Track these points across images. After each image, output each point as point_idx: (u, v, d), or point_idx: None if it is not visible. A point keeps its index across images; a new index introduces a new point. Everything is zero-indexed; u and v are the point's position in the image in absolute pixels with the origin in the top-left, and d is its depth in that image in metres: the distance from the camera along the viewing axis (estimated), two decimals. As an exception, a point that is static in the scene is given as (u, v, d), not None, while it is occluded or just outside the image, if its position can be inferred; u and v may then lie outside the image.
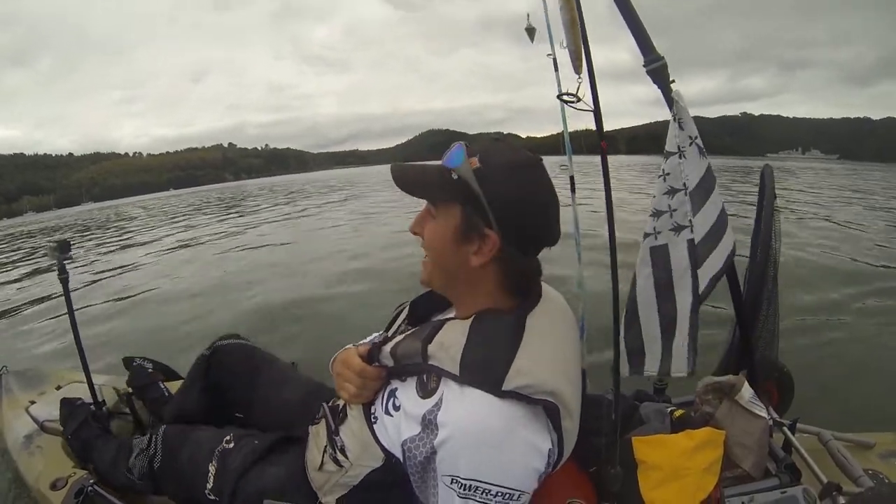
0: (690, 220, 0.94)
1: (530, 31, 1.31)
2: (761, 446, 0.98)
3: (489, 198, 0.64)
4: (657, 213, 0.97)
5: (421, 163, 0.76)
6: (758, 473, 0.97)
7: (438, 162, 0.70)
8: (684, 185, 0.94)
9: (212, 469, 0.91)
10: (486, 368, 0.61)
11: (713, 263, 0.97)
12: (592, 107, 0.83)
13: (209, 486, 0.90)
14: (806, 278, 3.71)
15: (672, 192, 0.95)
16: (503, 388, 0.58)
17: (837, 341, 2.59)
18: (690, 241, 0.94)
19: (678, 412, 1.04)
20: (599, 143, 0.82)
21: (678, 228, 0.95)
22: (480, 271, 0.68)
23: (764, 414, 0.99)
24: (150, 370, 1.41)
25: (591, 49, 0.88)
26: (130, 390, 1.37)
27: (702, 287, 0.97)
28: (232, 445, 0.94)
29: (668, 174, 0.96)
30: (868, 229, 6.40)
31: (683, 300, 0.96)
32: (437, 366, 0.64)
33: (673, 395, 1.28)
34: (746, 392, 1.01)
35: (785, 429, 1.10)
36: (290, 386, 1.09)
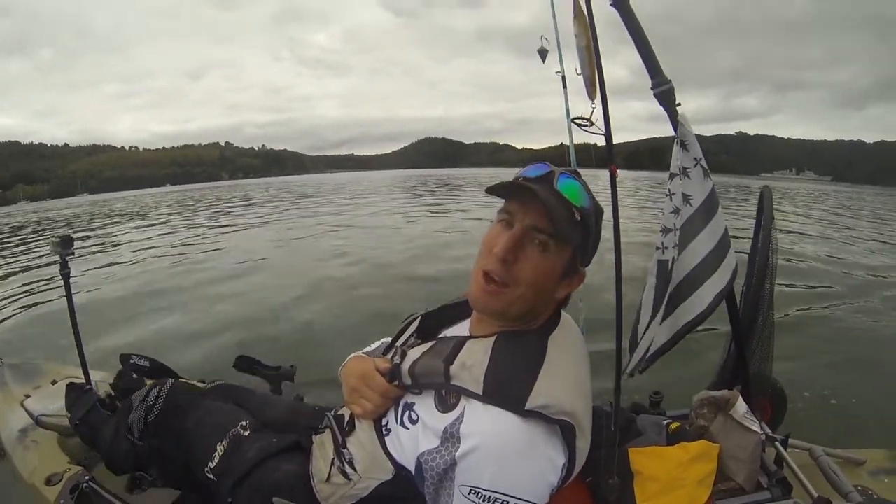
0: (675, 244, 1.01)
1: (542, 53, 1.34)
2: (754, 460, 1.00)
3: (594, 239, 0.70)
4: (665, 231, 1.01)
5: (534, 186, 0.66)
6: (750, 487, 0.99)
7: (547, 185, 0.66)
8: (689, 203, 0.98)
9: (220, 448, 0.88)
10: (509, 389, 0.62)
11: (716, 283, 1.01)
12: (604, 131, 0.86)
13: (212, 464, 0.87)
14: (799, 295, 3.78)
15: (677, 211, 0.99)
16: (525, 408, 0.60)
17: (830, 358, 2.63)
18: (675, 260, 1.01)
19: (674, 425, 1.06)
20: (610, 167, 0.85)
21: (683, 245, 1.00)
22: (553, 300, 0.71)
23: (757, 429, 1.01)
24: (134, 375, 1.38)
25: (602, 69, 0.91)
26: (113, 393, 1.35)
27: (701, 308, 1.01)
28: (247, 434, 0.91)
29: (673, 194, 1.00)
30: (860, 247, 6.52)
31: (652, 318, 1.03)
32: (460, 386, 0.65)
33: (668, 408, 1.30)
34: (741, 407, 1.04)
35: (777, 444, 1.12)
36: (273, 407, 1.06)
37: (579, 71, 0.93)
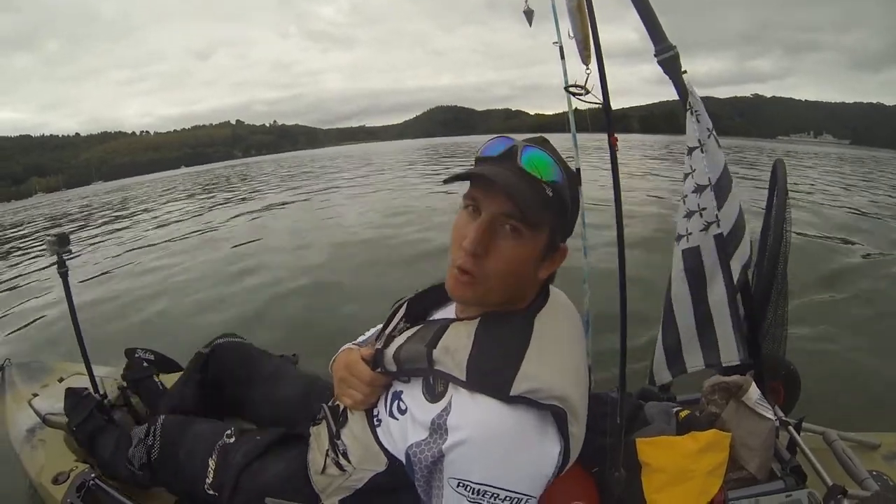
0: (717, 215, 0.91)
1: (528, 14, 1.26)
2: (767, 448, 0.97)
3: (571, 211, 0.64)
4: (689, 214, 0.94)
5: (493, 168, 0.60)
6: (763, 475, 0.96)
7: (511, 163, 0.60)
8: (709, 179, 0.91)
9: (212, 464, 0.90)
10: (493, 374, 0.59)
11: (741, 255, 0.95)
12: (601, 99, 0.79)
13: (209, 480, 0.89)
14: (815, 274, 3.67)
15: (699, 189, 0.92)
16: (511, 394, 0.57)
17: (844, 339, 2.56)
18: (718, 236, 0.92)
19: (683, 412, 1.03)
20: (609, 137, 0.79)
21: (707, 226, 0.93)
22: (537, 281, 0.67)
23: (771, 416, 0.98)
24: (144, 364, 1.40)
25: (600, 30, 0.84)
26: (125, 384, 1.37)
27: (735, 277, 0.95)
28: (233, 441, 0.93)
29: (693, 171, 0.93)
30: (883, 222, 6.31)
31: (718, 293, 0.95)
32: (444, 371, 0.63)
33: (678, 392, 1.27)
34: (754, 393, 1.00)
35: (790, 428, 1.08)
36: (288, 383, 1.08)
37: (571, 35, 0.86)
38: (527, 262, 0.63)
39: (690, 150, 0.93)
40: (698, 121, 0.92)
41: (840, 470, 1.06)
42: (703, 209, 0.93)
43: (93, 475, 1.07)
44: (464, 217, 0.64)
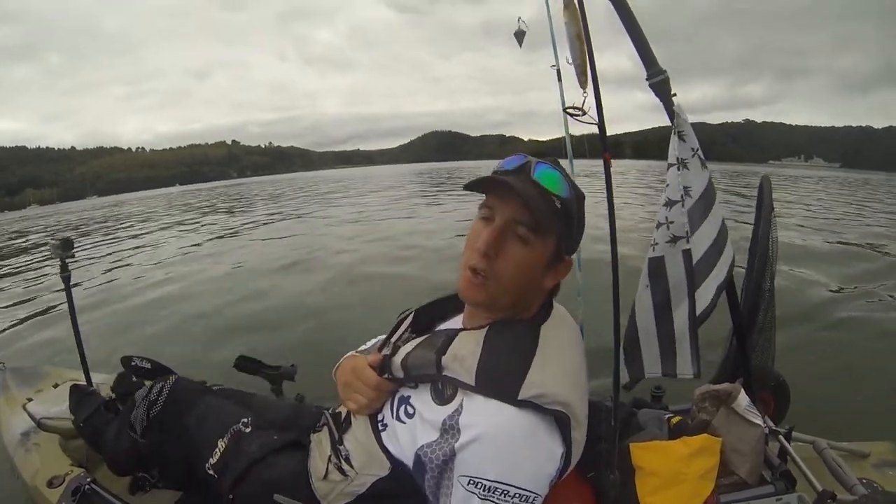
0: (687, 232, 0.97)
1: (519, 36, 1.32)
2: (757, 454, 1.00)
3: (577, 227, 0.70)
4: (658, 225, 1.00)
5: (504, 178, 0.66)
6: (753, 480, 0.98)
7: (524, 176, 0.65)
8: (681, 196, 0.97)
9: (221, 444, 0.89)
10: (501, 379, 0.62)
11: (716, 276, 1.00)
12: (597, 120, 0.85)
13: (213, 460, 0.87)
14: (802, 287, 3.75)
15: (669, 203, 0.98)
16: (519, 398, 0.60)
17: (834, 351, 2.61)
18: (686, 252, 0.97)
19: (675, 419, 1.05)
20: (603, 156, 0.84)
21: (674, 240, 0.98)
22: (543, 290, 0.71)
23: (760, 422, 1.01)
24: (134, 378, 1.38)
25: (596, 57, 0.90)
26: (113, 396, 1.36)
27: (705, 304, 1.00)
28: (249, 430, 0.91)
29: (667, 185, 0.99)
30: (866, 237, 6.47)
31: (680, 310, 0.99)
32: (453, 377, 0.65)
33: (670, 402, 1.30)
34: (743, 400, 1.03)
35: (781, 437, 1.11)
36: (276, 408, 1.05)
37: (570, 60, 0.93)
38: (534, 267, 0.67)
39: (668, 167, 1.00)
40: (683, 140, 0.98)
41: (830, 478, 1.07)
42: (671, 222, 0.99)
43: (88, 479, 1.07)
44: (479, 225, 0.68)
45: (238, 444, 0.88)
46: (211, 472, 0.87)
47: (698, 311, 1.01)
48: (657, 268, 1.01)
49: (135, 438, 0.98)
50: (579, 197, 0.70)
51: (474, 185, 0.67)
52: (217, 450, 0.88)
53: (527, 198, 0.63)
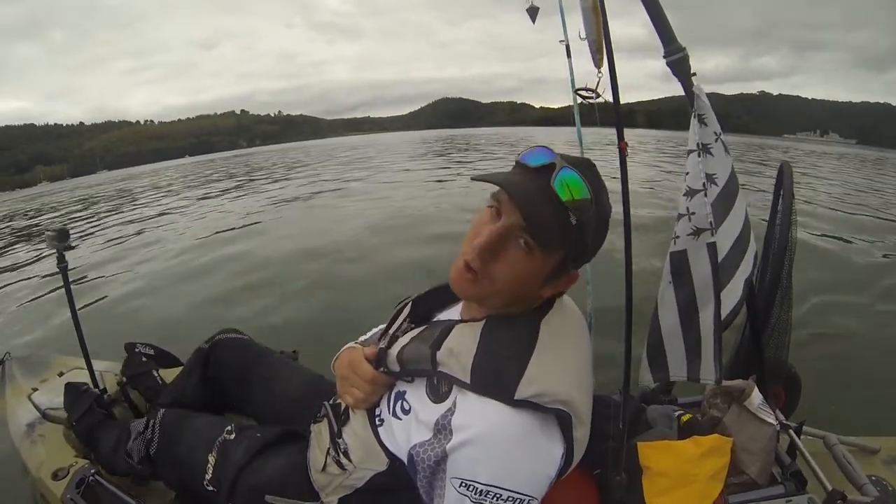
0: (711, 223, 0.89)
1: (532, 11, 1.24)
2: (768, 453, 0.97)
3: (593, 243, 0.63)
4: (679, 217, 0.93)
5: (519, 181, 0.60)
6: (763, 480, 0.96)
7: (543, 182, 0.58)
8: (703, 185, 0.90)
9: (211, 460, 0.90)
10: (498, 378, 0.59)
11: (743, 271, 0.94)
12: (612, 102, 0.78)
13: (208, 476, 0.89)
14: (817, 277, 3.67)
15: (691, 193, 0.91)
16: (515, 398, 0.57)
17: (846, 343, 2.58)
18: (711, 246, 0.90)
19: (685, 416, 1.03)
20: (619, 145, 0.78)
21: (697, 232, 0.91)
22: (538, 296, 0.66)
23: (772, 421, 0.98)
24: (144, 359, 1.40)
25: (610, 34, 0.83)
26: (124, 378, 1.37)
27: (732, 304, 0.94)
28: (233, 437, 0.93)
29: (687, 173, 0.92)
30: (884, 227, 6.29)
31: (706, 308, 0.93)
32: (448, 373, 0.62)
33: (680, 395, 1.27)
34: (756, 398, 1.00)
35: (791, 432, 1.08)
36: (288, 380, 1.08)
37: (583, 35, 0.85)
38: (531, 277, 0.62)
39: (689, 153, 0.92)
40: (705, 124, 0.91)
41: (840, 475, 1.06)
42: (693, 213, 0.90)
43: (92, 471, 1.07)
44: (486, 215, 0.63)
45: (225, 454, 0.90)
46: (210, 487, 0.89)
47: (725, 312, 0.94)
48: (680, 263, 0.93)
49: (132, 465, 1.01)
50: (603, 210, 0.62)
51: (484, 179, 0.61)
52: (209, 465, 0.89)
53: (531, 212, 0.57)
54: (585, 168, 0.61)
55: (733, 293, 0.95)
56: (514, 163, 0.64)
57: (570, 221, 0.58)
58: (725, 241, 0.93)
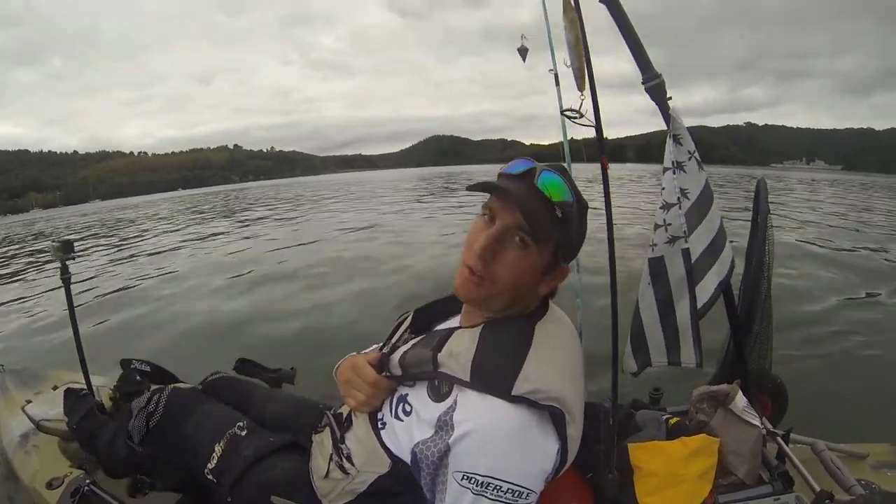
0: (685, 231, 0.99)
1: (522, 52, 1.35)
2: (755, 454, 1.00)
3: (577, 236, 0.70)
4: (656, 227, 1.02)
5: (510, 183, 0.67)
6: (751, 481, 0.98)
7: (527, 183, 0.65)
8: (678, 199, 0.99)
9: (218, 449, 0.90)
10: (496, 374, 0.62)
11: (714, 276, 1.02)
12: (594, 123, 0.86)
13: (211, 465, 0.89)
14: (800, 290, 3.75)
15: (667, 206, 1.00)
16: (513, 394, 0.60)
17: (831, 354, 2.62)
18: (685, 251, 0.99)
19: (673, 420, 1.06)
20: (600, 159, 0.86)
21: (673, 240, 1.00)
22: (538, 295, 0.71)
23: (757, 423, 1.01)
24: (138, 378, 1.39)
25: (595, 61, 0.92)
26: (118, 395, 1.36)
27: (705, 299, 1.02)
28: (244, 433, 0.93)
29: (663, 188, 1.00)
30: (864, 241, 6.48)
31: (682, 305, 1.02)
32: (448, 373, 0.65)
33: (668, 404, 1.30)
34: (740, 401, 1.03)
35: (779, 438, 1.11)
36: (278, 404, 1.09)
37: (568, 63, 0.94)
38: (529, 272, 0.67)
39: (664, 171, 1.02)
40: (680, 143, 1.00)
41: (828, 479, 1.08)
42: (669, 224, 1.02)
43: (87, 480, 1.07)
44: (479, 224, 0.69)
45: (235, 447, 0.90)
46: (210, 476, 0.88)
47: (699, 305, 1.03)
48: (657, 267, 1.04)
49: (132, 447, 0.99)
50: (582, 206, 0.69)
51: (478, 188, 0.68)
52: (214, 454, 0.89)
53: (526, 206, 0.63)
54: (561, 171, 0.69)
55: (705, 290, 1.03)
56: (497, 177, 0.72)
57: (557, 215, 0.65)
58: (698, 245, 1.01)
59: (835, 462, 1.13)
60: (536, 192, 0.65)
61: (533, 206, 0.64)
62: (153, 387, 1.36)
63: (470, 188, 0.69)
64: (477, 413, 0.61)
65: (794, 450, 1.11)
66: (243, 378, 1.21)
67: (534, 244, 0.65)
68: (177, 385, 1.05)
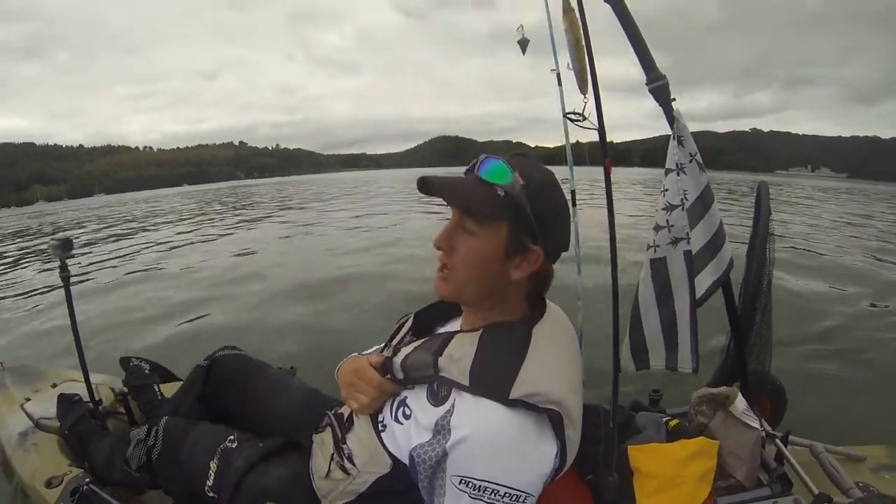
0: (687, 233, 0.99)
1: (522, 44, 1.34)
2: (754, 457, 1.00)
3: (536, 213, 0.66)
4: (657, 228, 1.02)
5: (453, 176, 0.70)
6: (750, 483, 0.99)
7: (472, 174, 0.67)
8: (681, 201, 0.98)
9: (213, 466, 0.90)
10: (493, 379, 0.62)
11: (711, 272, 1.02)
12: (597, 126, 0.86)
13: (209, 483, 0.89)
14: (800, 294, 3.76)
15: (670, 208, 0.99)
16: (510, 397, 0.60)
17: (830, 356, 2.63)
18: (687, 253, 0.99)
19: (673, 422, 1.06)
20: (603, 161, 0.85)
21: (675, 241, 1.00)
22: (515, 283, 0.69)
23: (757, 425, 1.01)
24: (146, 371, 1.40)
25: (600, 64, 0.92)
26: (126, 389, 1.37)
27: (699, 293, 1.02)
28: (235, 445, 0.94)
29: (666, 190, 1.00)
30: (864, 246, 6.50)
31: (682, 306, 1.02)
32: (448, 377, 0.66)
33: (667, 406, 1.30)
34: (740, 403, 1.04)
35: (777, 441, 1.12)
36: (286, 395, 1.09)
37: (570, 66, 0.94)
38: (485, 257, 0.66)
39: (667, 172, 1.02)
40: (682, 145, 1.00)
41: (826, 481, 1.08)
42: (672, 226, 1.02)
43: (87, 479, 1.06)
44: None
45: (227, 461, 0.91)
46: (211, 493, 0.89)
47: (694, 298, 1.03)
48: (659, 268, 1.04)
49: (129, 472, 1.01)
50: (537, 182, 0.66)
51: (421, 190, 0.70)
52: (211, 472, 0.90)
53: (462, 196, 0.66)
54: (515, 157, 0.69)
55: (701, 284, 1.04)
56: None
57: (498, 193, 0.65)
58: (696, 243, 1.02)
59: (833, 464, 1.13)
60: (479, 180, 0.66)
61: (467, 191, 0.66)
62: (157, 386, 1.36)
63: (421, 191, 0.70)
64: (474, 418, 0.61)
65: (792, 452, 1.11)
66: (252, 359, 1.19)
67: (481, 228, 0.66)
68: (171, 416, 1.05)
